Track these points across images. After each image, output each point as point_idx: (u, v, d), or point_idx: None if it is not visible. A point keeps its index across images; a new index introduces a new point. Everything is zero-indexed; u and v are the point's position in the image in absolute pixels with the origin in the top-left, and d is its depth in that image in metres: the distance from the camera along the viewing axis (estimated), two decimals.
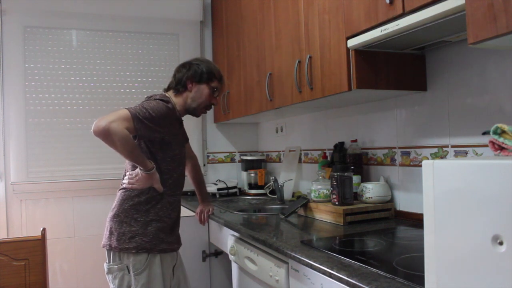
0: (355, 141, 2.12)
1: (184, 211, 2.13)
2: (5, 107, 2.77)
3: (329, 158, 2.35)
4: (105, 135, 1.57)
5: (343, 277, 1.09)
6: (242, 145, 3.41)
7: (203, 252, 2.46)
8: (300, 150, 2.75)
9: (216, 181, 3.15)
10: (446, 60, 1.64)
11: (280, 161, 3.05)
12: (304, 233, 1.71)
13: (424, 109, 1.76)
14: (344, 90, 1.63)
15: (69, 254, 2.88)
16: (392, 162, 1.94)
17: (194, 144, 3.09)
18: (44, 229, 2.17)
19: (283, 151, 2.99)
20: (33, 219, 2.81)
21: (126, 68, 3.06)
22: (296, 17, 2.00)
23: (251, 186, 3.08)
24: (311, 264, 1.24)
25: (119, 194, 1.81)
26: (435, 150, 1.71)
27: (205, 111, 1.96)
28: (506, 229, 0.67)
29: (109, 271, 1.75)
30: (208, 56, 3.27)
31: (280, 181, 2.60)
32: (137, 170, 1.73)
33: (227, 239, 2.01)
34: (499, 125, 0.87)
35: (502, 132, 0.87)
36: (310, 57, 1.86)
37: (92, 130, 1.59)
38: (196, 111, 1.91)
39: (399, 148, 1.90)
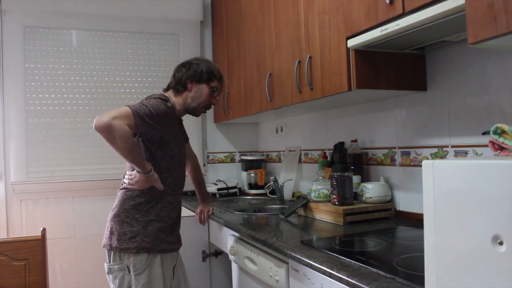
0: (355, 141, 2.12)
1: (184, 211, 2.13)
2: (5, 107, 2.77)
3: (329, 158, 2.35)
4: (107, 130, 1.55)
5: (343, 277, 1.09)
6: (242, 145, 3.41)
7: (203, 252, 2.46)
8: (300, 150, 2.75)
9: (216, 181, 3.15)
10: (446, 60, 1.64)
11: (280, 161, 3.05)
12: (304, 233, 1.71)
13: (424, 109, 1.76)
14: (344, 90, 1.63)
15: (69, 254, 2.88)
16: (392, 162, 1.94)
17: (194, 144, 3.09)
18: (44, 229, 2.17)
19: (283, 151, 2.99)
20: (33, 219, 2.81)
21: (126, 68, 3.06)
22: (296, 17, 2.00)
23: (251, 186, 3.08)
24: (311, 264, 1.24)
25: (119, 194, 1.81)
26: (435, 150, 1.71)
27: (204, 111, 1.96)
28: (506, 229, 0.67)
29: (110, 271, 1.75)
30: (208, 56, 3.27)
31: (280, 181, 2.60)
32: (135, 171, 1.72)
33: (227, 239, 2.01)
34: (499, 125, 0.87)
35: (502, 132, 0.87)
36: (310, 57, 1.86)
37: (93, 125, 1.57)
38: (196, 111, 1.91)
39: (399, 148, 1.90)
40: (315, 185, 1.99)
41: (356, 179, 1.97)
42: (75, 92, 2.93)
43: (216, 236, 2.30)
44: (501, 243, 0.68)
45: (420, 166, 1.41)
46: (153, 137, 1.72)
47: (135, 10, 3.04)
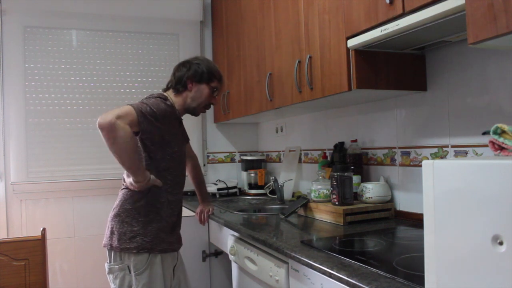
0: (355, 141, 2.12)
1: (184, 211, 2.13)
2: (5, 107, 2.77)
3: (329, 158, 2.35)
4: (110, 129, 1.52)
5: (343, 277, 1.09)
6: (242, 145, 3.41)
7: (203, 252, 2.46)
8: (300, 150, 2.75)
9: (216, 181, 3.15)
10: (446, 60, 1.64)
11: (280, 161, 3.05)
12: (304, 233, 1.71)
13: (424, 109, 1.76)
14: (344, 90, 1.63)
15: (69, 254, 2.88)
16: (392, 162, 1.94)
17: (194, 144, 3.09)
18: (44, 229, 2.17)
19: (283, 151, 2.99)
20: (33, 219, 2.81)
21: (126, 68, 3.06)
22: (296, 17, 2.00)
23: (251, 186, 3.08)
24: (311, 264, 1.24)
25: (120, 193, 1.81)
26: (435, 150, 1.71)
27: (204, 111, 1.96)
28: (506, 229, 0.67)
29: (110, 271, 1.75)
30: (208, 56, 3.27)
31: (280, 181, 2.60)
32: (130, 180, 1.69)
33: (227, 239, 2.01)
34: (499, 125, 0.87)
35: (502, 132, 0.87)
36: (310, 57, 1.86)
37: (97, 123, 1.54)
38: (196, 111, 1.92)
39: (399, 148, 1.90)
40: (315, 185, 1.99)
41: (356, 179, 1.97)
42: (75, 92, 2.93)
43: (216, 236, 2.30)
44: (501, 243, 0.68)
45: (420, 166, 1.41)
46: (154, 136, 1.72)
47: (135, 10, 3.04)
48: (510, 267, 0.66)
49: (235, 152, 3.39)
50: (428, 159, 1.59)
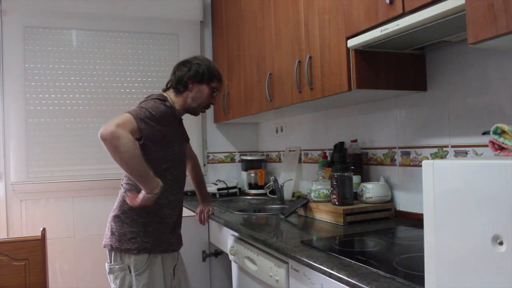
0: (355, 141, 2.12)
1: (184, 211, 2.13)
2: (5, 107, 2.77)
3: (329, 158, 2.35)
4: (112, 138, 1.51)
5: (343, 277, 1.09)
6: (242, 145, 3.41)
7: (203, 252, 2.46)
8: (300, 150, 2.75)
9: (216, 181, 3.15)
10: (446, 60, 1.64)
11: (280, 161, 3.05)
12: (304, 233, 1.71)
13: (424, 109, 1.76)
14: (344, 90, 1.63)
15: (69, 254, 2.88)
16: (392, 162, 1.94)
17: (194, 144, 3.09)
18: (44, 229, 2.17)
19: (283, 151, 2.99)
20: (33, 219, 2.81)
21: (126, 68, 3.06)
22: (296, 17, 2.00)
23: (251, 186, 3.08)
24: (311, 264, 1.24)
25: (120, 194, 1.81)
26: (435, 150, 1.71)
27: (204, 111, 1.96)
28: (506, 229, 0.67)
29: (111, 271, 1.75)
30: (208, 56, 3.27)
31: (280, 181, 2.60)
32: (140, 193, 1.65)
33: (227, 239, 2.01)
34: (499, 125, 0.87)
35: (502, 132, 0.87)
36: (310, 57, 1.86)
37: (99, 135, 1.52)
38: (196, 111, 1.92)
39: (399, 148, 1.90)
40: (315, 185, 1.99)
41: (356, 179, 1.97)
42: (75, 92, 2.93)
43: (216, 236, 2.30)
44: (501, 243, 0.68)
45: (420, 166, 1.41)
46: (156, 138, 1.72)
47: (135, 10, 3.04)
48: (510, 267, 0.66)
49: (235, 152, 3.39)
50: (428, 159, 1.59)
